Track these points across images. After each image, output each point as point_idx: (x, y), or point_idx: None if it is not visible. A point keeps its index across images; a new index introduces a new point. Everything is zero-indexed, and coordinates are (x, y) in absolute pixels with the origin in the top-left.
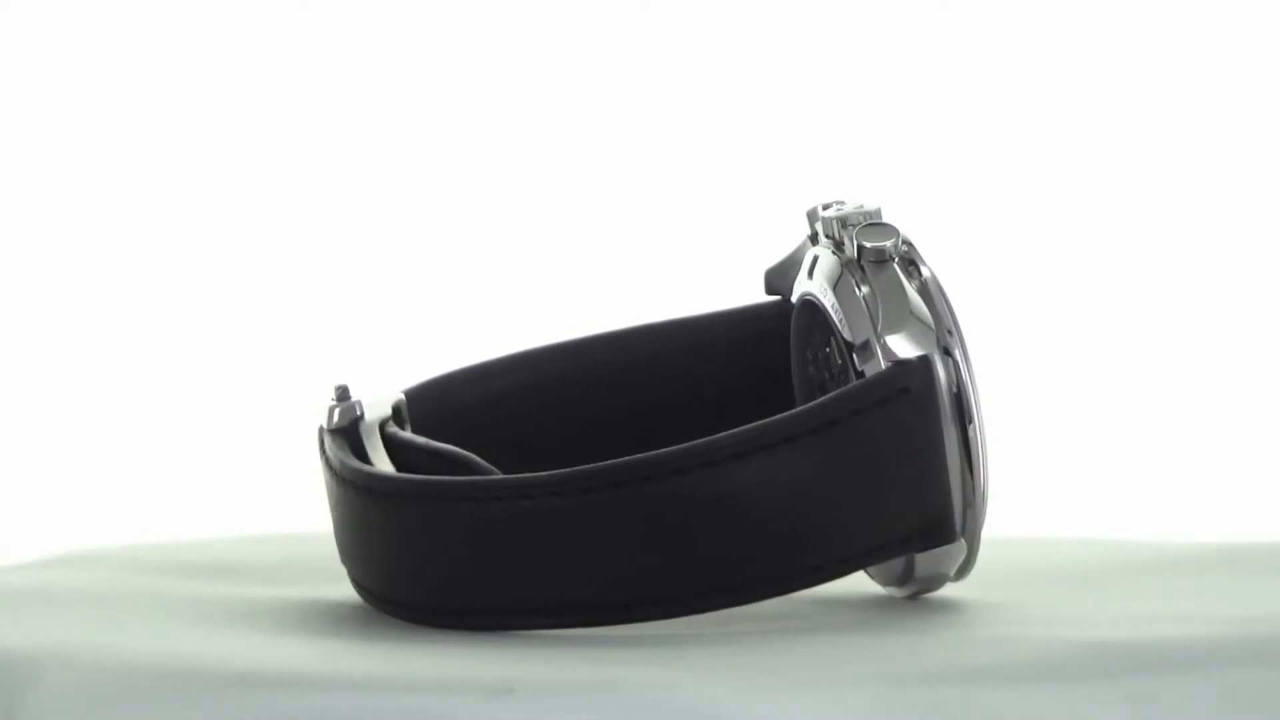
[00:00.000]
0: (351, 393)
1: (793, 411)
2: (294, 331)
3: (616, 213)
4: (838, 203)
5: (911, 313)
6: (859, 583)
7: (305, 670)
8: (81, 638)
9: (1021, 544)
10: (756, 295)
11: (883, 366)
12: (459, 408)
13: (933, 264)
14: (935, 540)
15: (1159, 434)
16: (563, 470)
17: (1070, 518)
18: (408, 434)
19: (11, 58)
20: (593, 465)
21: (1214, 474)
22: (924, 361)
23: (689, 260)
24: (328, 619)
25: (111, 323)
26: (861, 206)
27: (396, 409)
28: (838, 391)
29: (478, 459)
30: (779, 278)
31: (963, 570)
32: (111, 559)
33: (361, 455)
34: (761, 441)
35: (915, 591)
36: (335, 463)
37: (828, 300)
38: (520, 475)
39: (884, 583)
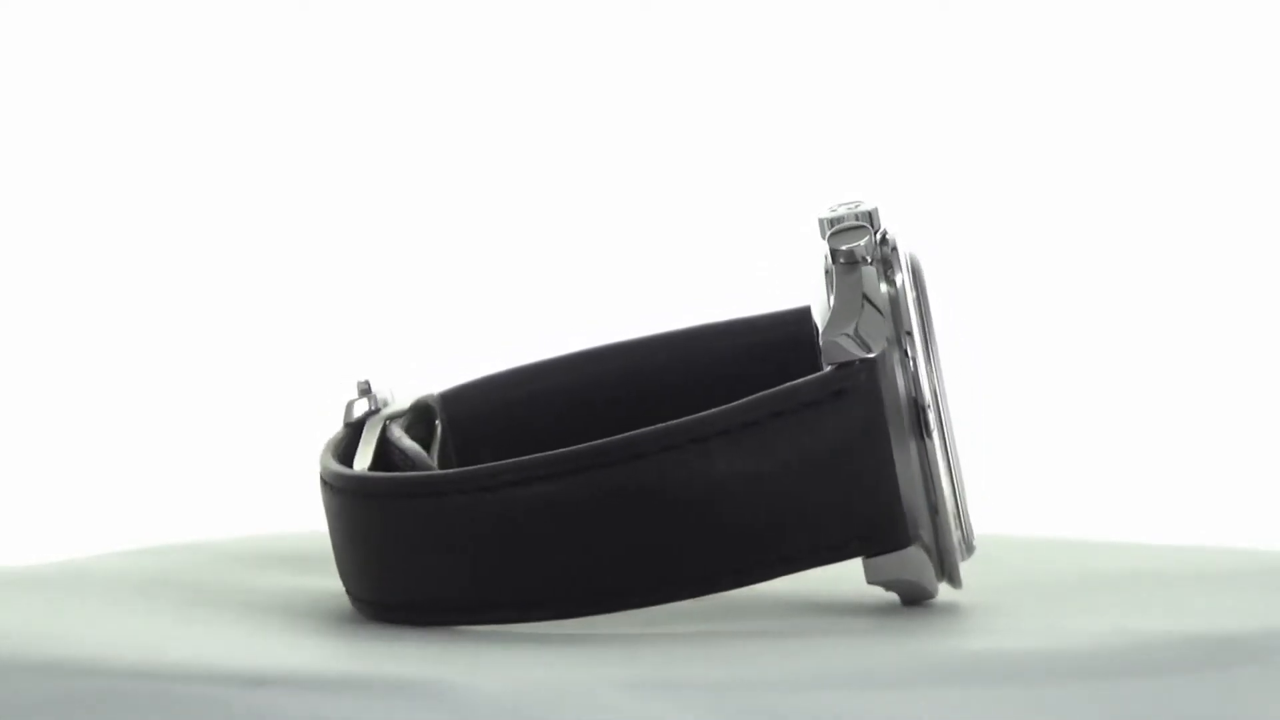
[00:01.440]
0: (373, 387)
1: (709, 412)
2: (349, 333)
3: (670, 216)
4: (850, 203)
5: (863, 316)
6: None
7: (79, 655)
8: None
9: (1036, 546)
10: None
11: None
12: (500, 408)
13: (922, 265)
14: (878, 546)
15: (1165, 435)
16: (471, 467)
17: (1073, 518)
18: (395, 432)
19: (13, 58)
20: (496, 464)
21: (1217, 476)
22: (866, 364)
23: (743, 262)
24: (206, 608)
25: (152, 326)
26: (856, 206)
27: (418, 407)
28: (763, 394)
29: (425, 456)
30: None
31: (948, 577)
32: (197, 549)
33: (353, 450)
34: (665, 442)
35: (903, 598)
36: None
37: (815, 304)
38: (433, 472)
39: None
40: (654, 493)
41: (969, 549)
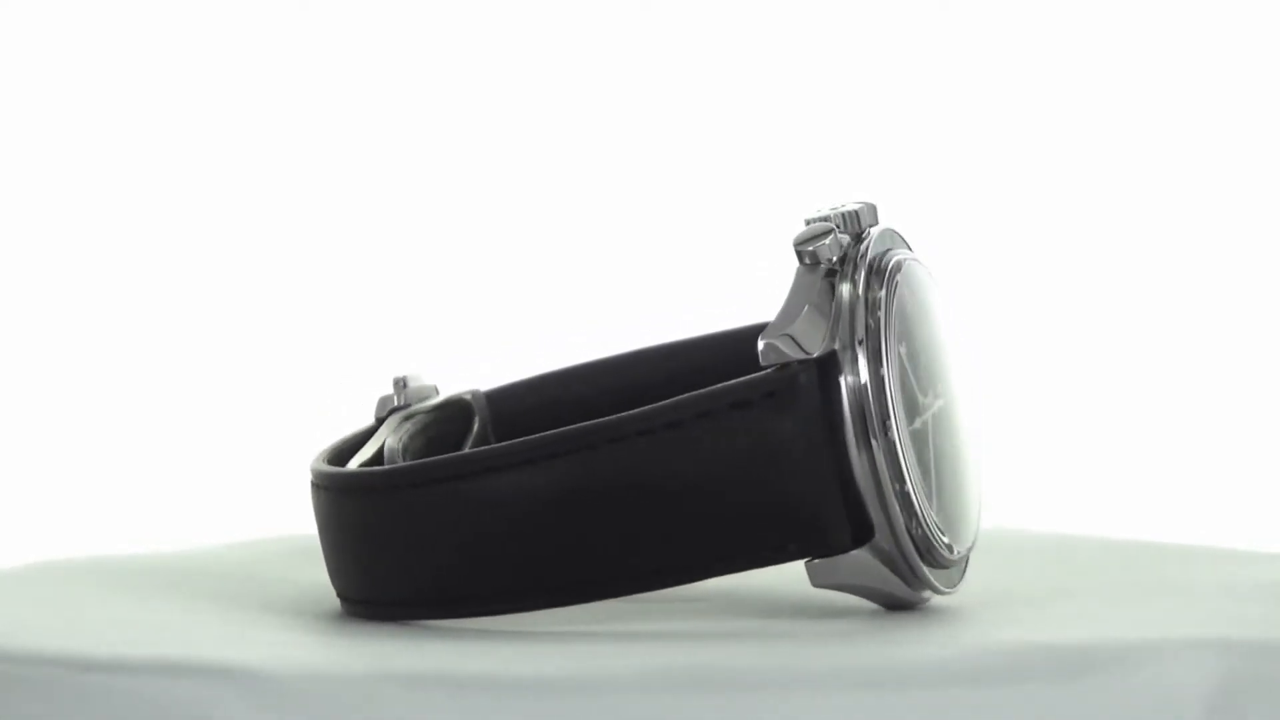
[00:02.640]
0: (409, 384)
1: (632, 412)
2: (398, 336)
3: (717, 218)
4: (845, 205)
5: (805, 318)
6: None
7: None
8: None
9: (1042, 544)
10: None
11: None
12: (544, 408)
13: (905, 269)
14: (821, 549)
15: (1166, 433)
16: (407, 464)
17: (1077, 517)
18: (403, 429)
19: (15, 59)
20: (429, 459)
21: (1219, 474)
22: (807, 366)
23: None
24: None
25: (188, 331)
26: (842, 207)
27: (450, 404)
28: (690, 394)
29: (396, 453)
30: None
31: (924, 583)
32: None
33: (362, 444)
34: (584, 441)
35: (881, 604)
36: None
37: None
38: (373, 468)
39: None
40: (578, 491)
41: (950, 556)
